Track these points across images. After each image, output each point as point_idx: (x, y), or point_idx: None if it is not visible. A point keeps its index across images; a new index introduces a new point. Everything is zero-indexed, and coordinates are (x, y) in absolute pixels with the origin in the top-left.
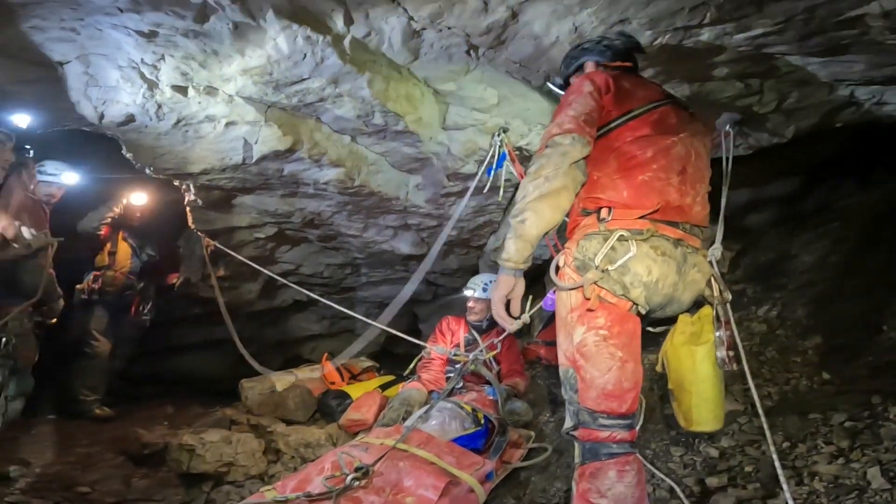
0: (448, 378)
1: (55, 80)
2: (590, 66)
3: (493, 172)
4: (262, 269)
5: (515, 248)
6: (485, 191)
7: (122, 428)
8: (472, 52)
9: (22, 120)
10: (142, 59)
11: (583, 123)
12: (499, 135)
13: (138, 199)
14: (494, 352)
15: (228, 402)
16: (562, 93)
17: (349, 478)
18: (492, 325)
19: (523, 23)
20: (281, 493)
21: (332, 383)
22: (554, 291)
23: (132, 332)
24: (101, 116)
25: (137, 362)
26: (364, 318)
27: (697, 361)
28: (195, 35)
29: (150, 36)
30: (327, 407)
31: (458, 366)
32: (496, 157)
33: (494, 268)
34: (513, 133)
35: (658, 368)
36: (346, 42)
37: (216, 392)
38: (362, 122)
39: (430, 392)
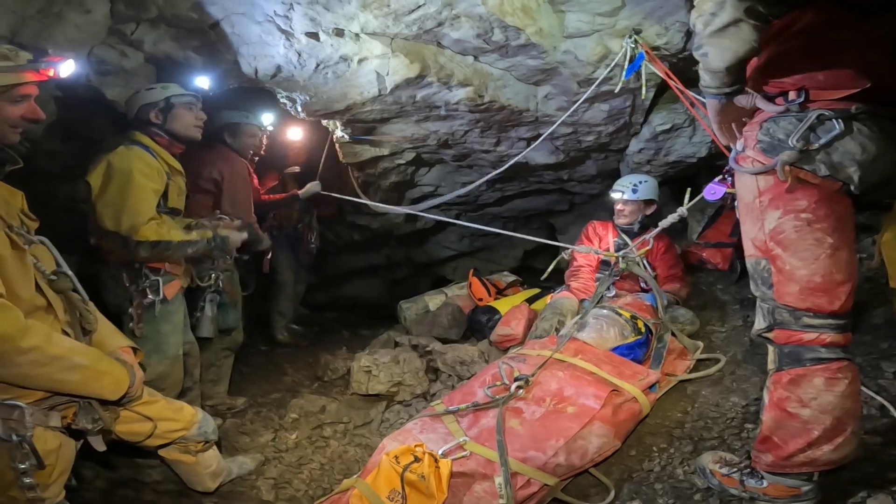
0: (598, 284)
1: (212, 44)
2: None
3: (631, 73)
4: (367, 201)
5: (709, 78)
6: (622, 93)
7: (313, 354)
8: None
9: (202, 82)
10: (274, 12)
11: None
12: (630, 37)
13: (294, 135)
14: (647, 248)
15: (390, 324)
16: None
17: (513, 386)
18: (644, 228)
19: None
20: (449, 405)
21: (480, 299)
22: (718, 180)
23: (306, 261)
24: (256, 71)
25: (316, 290)
26: (502, 231)
27: None
28: None
29: None
30: (477, 323)
31: (608, 269)
32: (630, 59)
33: (636, 170)
34: (647, 33)
35: (874, 262)
36: None
37: (378, 315)
38: (482, 41)
39: (581, 300)
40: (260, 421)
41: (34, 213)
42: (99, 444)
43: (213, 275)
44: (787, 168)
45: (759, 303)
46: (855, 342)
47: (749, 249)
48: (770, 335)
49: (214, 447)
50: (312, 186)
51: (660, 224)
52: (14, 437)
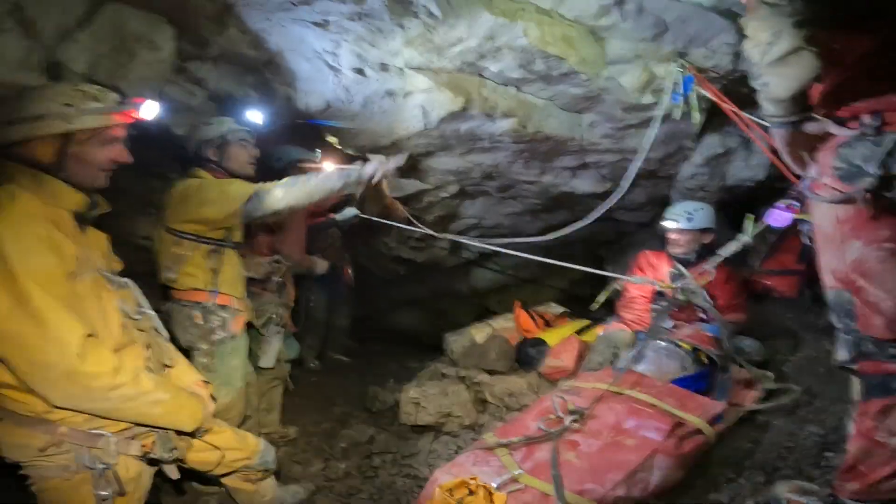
0: (654, 316)
1: (267, 81)
2: None
3: (679, 99)
4: (413, 226)
5: (773, 107)
6: (674, 118)
7: (363, 385)
8: None
9: (255, 116)
10: (323, 48)
11: None
12: (675, 61)
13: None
14: (707, 279)
15: (435, 356)
16: None
17: (568, 420)
18: (700, 258)
19: None
20: (502, 437)
21: (527, 331)
22: (783, 205)
23: (344, 294)
24: (307, 106)
25: (361, 321)
26: (549, 261)
27: None
28: (359, 17)
29: (324, 25)
30: (525, 355)
31: (664, 300)
32: (678, 83)
33: (688, 196)
34: (693, 56)
35: None
36: None
37: (423, 346)
38: (525, 71)
39: (636, 332)
40: (311, 450)
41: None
42: (173, 473)
43: (276, 308)
44: (867, 196)
45: (841, 335)
46: None
47: (830, 281)
48: (855, 366)
49: (272, 476)
50: (349, 211)
51: (719, 253)
52: (99, 465)
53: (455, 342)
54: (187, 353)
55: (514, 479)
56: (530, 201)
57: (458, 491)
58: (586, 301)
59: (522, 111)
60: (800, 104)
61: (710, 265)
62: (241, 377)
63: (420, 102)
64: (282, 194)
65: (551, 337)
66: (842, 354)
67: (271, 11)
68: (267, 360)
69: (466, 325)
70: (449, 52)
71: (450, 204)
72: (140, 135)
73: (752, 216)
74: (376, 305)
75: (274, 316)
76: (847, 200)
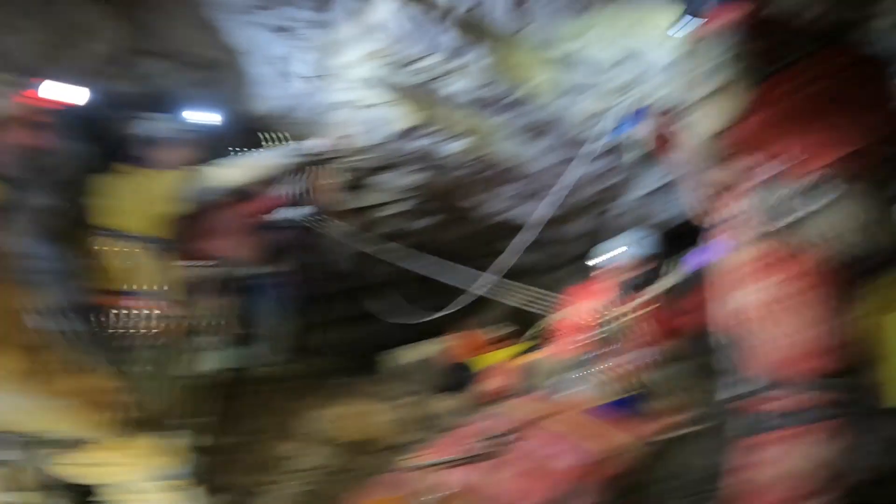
0: (587, 343)
1: (217, 80)
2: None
3: (620, 132)
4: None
5: (692, 147)
6: (614, 152)
7: (290, 398)
8: (583, 12)
9: (201, 118)
10: (279, 54)
11: (745, 24)
12: (623, 94)
13: None
14: (641, 311)
15: (370, 374)
16: (681, 32)
17: (493, 442)
18: (638, 287)
19: None
20: (430, 458)
21: (461, 355)
22: (700, 248)
23: (291, 304)
24: (258, 110)
25: (304, 334)
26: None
27: (892, 329)
28: (320, 25)
29: (283, 31)
30: (455, 379)
31: (598, 330)
32: (622, 117)
33: (622, 230)
34: (639, 92)
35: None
36: (456, 16)
37: (359, 363)
38: (481, 94)
39: (567, 359)
40: (231, 462)
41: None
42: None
43: (211, 315)
44: (771, 240)
45: (725, 373)
46: None
47: (720, 321)
48: (737, 404)
49: (178, 488)
50: (301, 210)
51: (649, 290)
52: None
53: (391, 360)
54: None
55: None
56: (476, 225)
57: None
58: (523, 328)
59: (475, 133)
60: (718, 145)
61: (641, 300)
62: (173, 383)
63: (374, 116)
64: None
65: (483, 361)
66: (724, 392)
67: (231, 13)
68: (202, 366)
69: (404, 346)
70: (410, 67)
71: (400, 220)
72: (70, 125)
73: (678, 256)
74: (318, 318)
75: (208, 323)
76: (750, 243)
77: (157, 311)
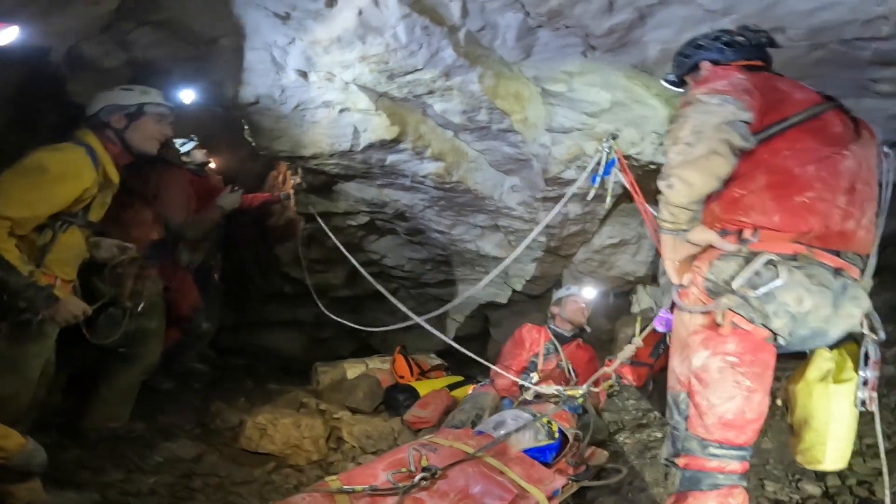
0: (521, 387)
1: (202, 59)
2: (706, 67)
3: (598, 180)
4: (350, 257)
5: (669, 214)
6: (588, 198)
7: (205, 397)
8: (587, 53)
9: (187, 96)
10: (275, 42)
11: (741, 91)
12: (607, 140)
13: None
14: (608, 381)
15: (300, 383)
16: (677, 90)
17: (417, 477)
18: (574, 337)
19: (651, 26)
20: (346, 483)
21: (402, 377)
22: (666, 310)
23: (213, 295)
24: (235, 95)
25: (227, 333)
26: (426, 325)
27: (833, 399)
28: (324, 19)
29: (285, 18)
30: (393, 400)
31: (531, 379)
32: (603, 164)
33: (578, 278)
34: (623, 140)
35: (778, 402)
36: (461, 35)
37: (290, 371)
38: (467, 118)
39: (503, 398)
40: (113, 458)
41: None
42: None
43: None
44: (724, 312)
45: (671, 430)
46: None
47: (672, 381)
48: (677, 460)
49: (38, 480)
50: (233, 196)
51: (618, 356)
52: None
53: (324, 373)
54: None
55: None
56: (435, 250)
57: None
58: (466, 359)
59: (452, 157)
60: (694, 213)
61: (611, 368)
62: (36, 367)
63: (354, 122)
64: None
65: (423, 387)
66: (667, 448)
67: None
68: (99, 336)
69: (343, 359)
70: (401, 78)
71: (356, 234)
72: (32, 89)
73: (639, 317)
74: (249, 318)
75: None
76: (706, 313)
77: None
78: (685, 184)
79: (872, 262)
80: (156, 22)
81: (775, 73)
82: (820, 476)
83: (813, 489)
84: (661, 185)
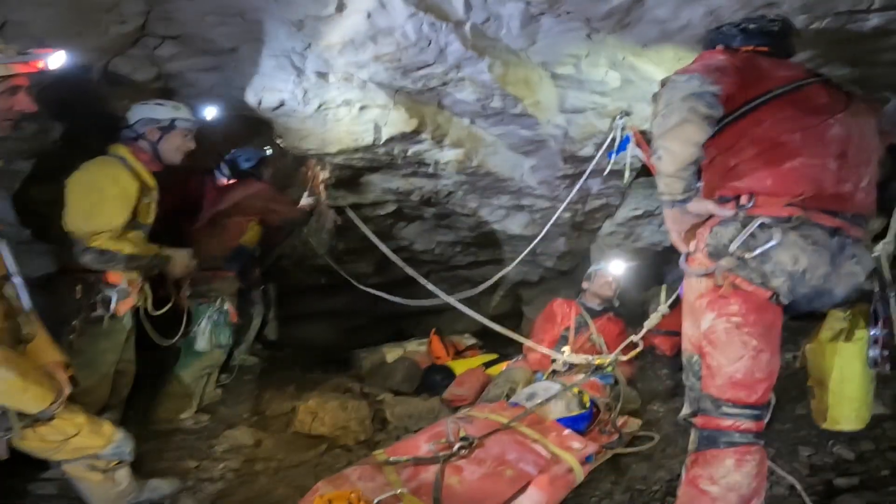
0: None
1: (225, 68)
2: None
3: (613, 156)
4: (379, 243)
5: (664, 185)
6: (605, 173)
7: (258, 388)
8: (591, 35)
9: (209, 112)
10: (293, 48)
11: (711, 69)
12: (620, 117)
13: None
14: (637, 350)
15: (342, 370)
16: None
17: (456, 446)
18: (605, 310)
19: (649, 6)
20: (391, 455)
21: (438, 358)
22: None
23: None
24: (260, 102)
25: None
26: (459, 305)
27: (845, 359)
28: (335, 24)
29: (299, 25)
30: (431, 381)
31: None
32: (618, 140)
33: (605, 251)
34: (636, 116)
35: (798, 364)
36: (467, 28)
37: (330, 360)
38: (481, 106)
39: (535, 372)
40: (185, 448)
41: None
42: (2, 451)
43: (217, 296)
44: (724, 274)
45: (687, 391)
46: (777, 430)
47: (685, 345)
48: (694, 420)
49: (128, 467)
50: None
51: (645, 325)
52: None
53: (365, 358)
54: (61, 328)
55: (397, 497)
56: (463, 233)
57: (337, 502)
58: (499, 337)
59: (470, 143)
60: (686, 182)
61: (638, 337)
62: (109, 363)
63: (374, 117)
64: (93, 260)
65: (459, 366)
66: (685, 409)
67: (249, 2)
68: (198, 344)
69: (381, 345)
70: (414, 73)
71: (384, 223)
72: (74, 102)
73: (664, 286)
74: (288, 311)
75: (216, 300)
76: (709, 275)
77: (123, 287)
78: (668, 152)
79: (891, 228)
80: (177, 36)
81: (773, 56)
82: (855, 441)
83: (847, 454)
84: (652, 159)
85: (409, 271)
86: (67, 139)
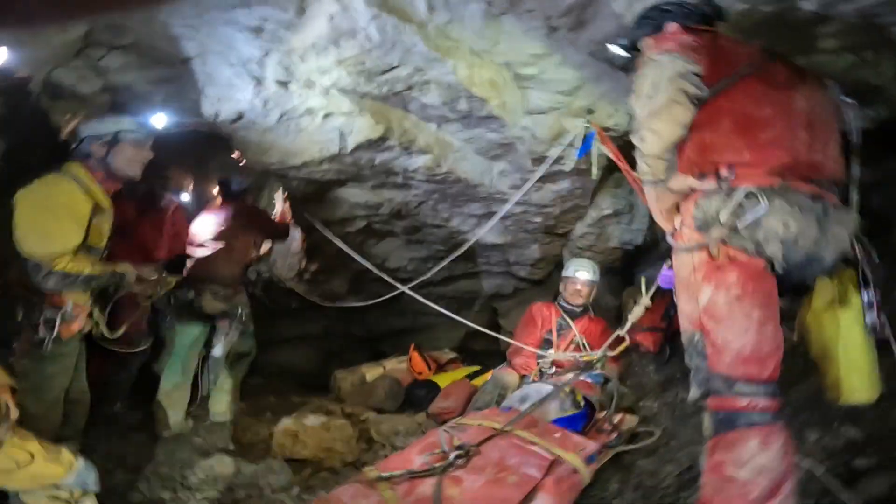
0: (539, 361)
1: (179, 79)
2: (672, 28)
3: (582, 153)
4: (351, 251)
5: (646, 165)
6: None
7: (235, 417)
8: (551, 34)
9: (159, 120)
10: (250, 56)
11: (686, 48)
12: (584, 116)
13: None
14: (624, 344)
15: (321, 394)
16: (625, 53)
17: (452, 455)
18: (585, 311)
19: (604, 1)
20: (384, 471)
21: (420, 373)
22: (668, 267)
23: None
24: (217, 115)
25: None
26: (447, 312)
27: (844, 326)
28: (297, 28)
29: (258, 31)
30: (415, 396)
31: (549, 352)
32: (581, 139)
33: (579, 254)
34: (600, 114)
35: (795, 337)
36: (430, 29)
37: (309, 385)
38: (448, 109)
39: (523, 376)
40: (159, 480)
41: None
42: None
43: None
44: (718, 245)
45: (693, 374)
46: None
47: (684, 325)
48: (706, 402)
49: (94, 498)
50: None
51: (629, 319)
52: None
53: (344, 379)
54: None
55: None
56: (436, 247)
57: None
58: (479, 353)
59: (439, 149)
60: (668, 161)
61: (622, 331)
62: (58, 388)
63: (339, 125)
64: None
65: (442, 380)
66: (693, 392)
67: (205, 9)
68: (216, 351)
69: (360, 364)
70: (379, 77)
71: (354, 240)
72: (12, 116)
73: (643, 278)
74: (260, 337)
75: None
76: (701, 248)
77: (68, 310)
78: (654, 134)
79: (852, 202)
80: (124, 46)
81: (719, 34)
82: (860, 418)
83: (856, 434)
84: (634, 139)
85: (387, 278)
86: (5, 156)
